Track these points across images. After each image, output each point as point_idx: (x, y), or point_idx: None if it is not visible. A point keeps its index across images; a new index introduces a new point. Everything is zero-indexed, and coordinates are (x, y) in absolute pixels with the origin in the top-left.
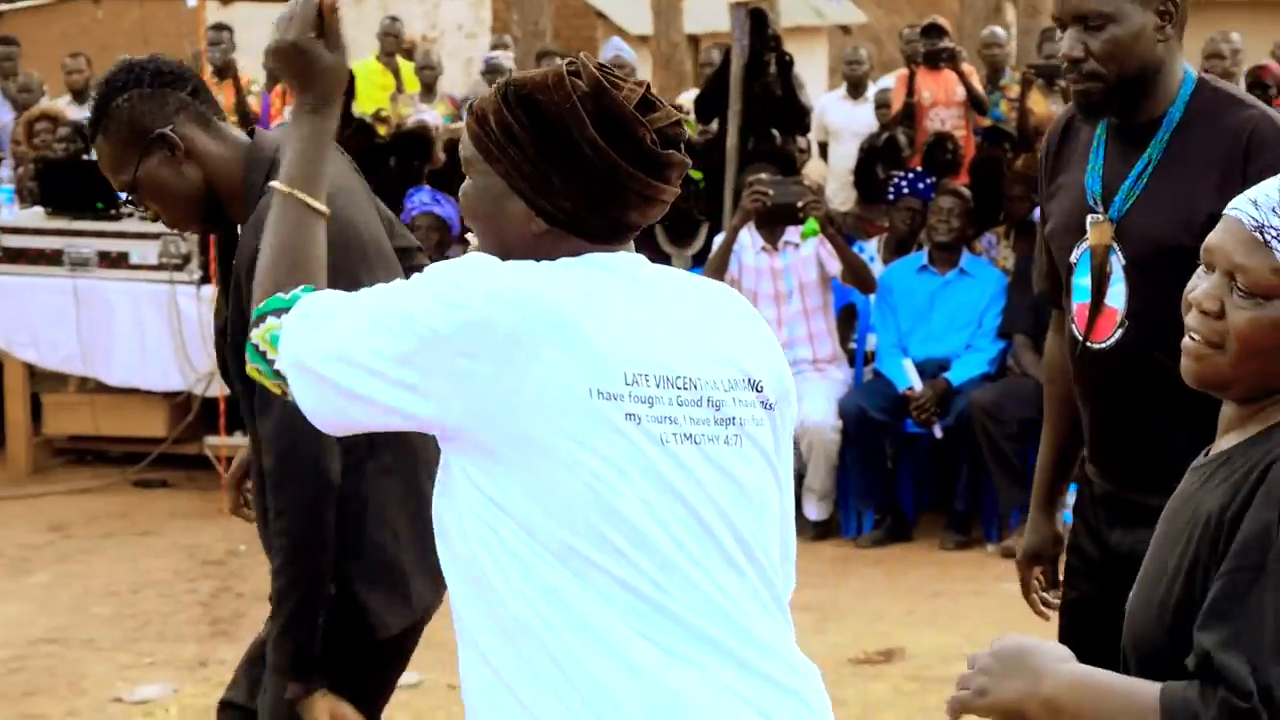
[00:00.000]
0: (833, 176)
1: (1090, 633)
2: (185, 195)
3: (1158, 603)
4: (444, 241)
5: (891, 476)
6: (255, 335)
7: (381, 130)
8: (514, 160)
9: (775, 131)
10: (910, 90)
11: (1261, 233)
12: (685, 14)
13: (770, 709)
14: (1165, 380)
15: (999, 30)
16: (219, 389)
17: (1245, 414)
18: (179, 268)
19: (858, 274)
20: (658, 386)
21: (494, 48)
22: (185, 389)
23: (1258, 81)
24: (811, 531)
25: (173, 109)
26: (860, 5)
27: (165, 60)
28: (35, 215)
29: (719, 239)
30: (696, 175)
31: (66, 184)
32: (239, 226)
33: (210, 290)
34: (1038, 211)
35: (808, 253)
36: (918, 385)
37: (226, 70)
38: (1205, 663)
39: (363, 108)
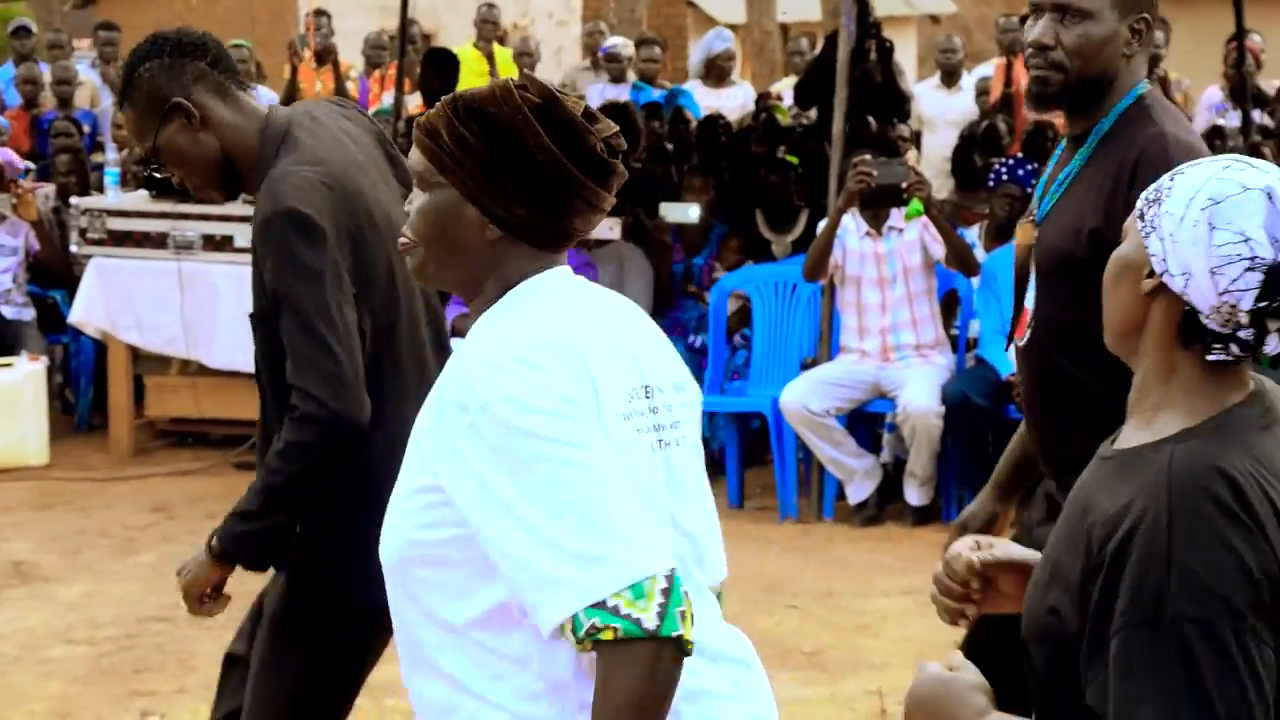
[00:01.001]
0: (927, 165)
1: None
2: (203, 162)
3: (1039, 596)
4: None
5: (993, 462)
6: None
7: None
8: (469, 170)
9: (870, 119)
10: (1008, 79)
11: None
12: (777, 3)
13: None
14: (1068, 383)
15: None
16: None
17: (1155, 400)
18: None
19: (961, 257)
20: (646, 397)
21: (590, 34)
22: None
23: None
24: (913, 516)
25: (190, 78)
26: None
27: (189, 31)
28: (140, 198)
29: (821, 225)
30: (794, 161)
31: None
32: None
33: None
34: None
35: (911, 237)
36: None
37: (326, 55)
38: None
39: None
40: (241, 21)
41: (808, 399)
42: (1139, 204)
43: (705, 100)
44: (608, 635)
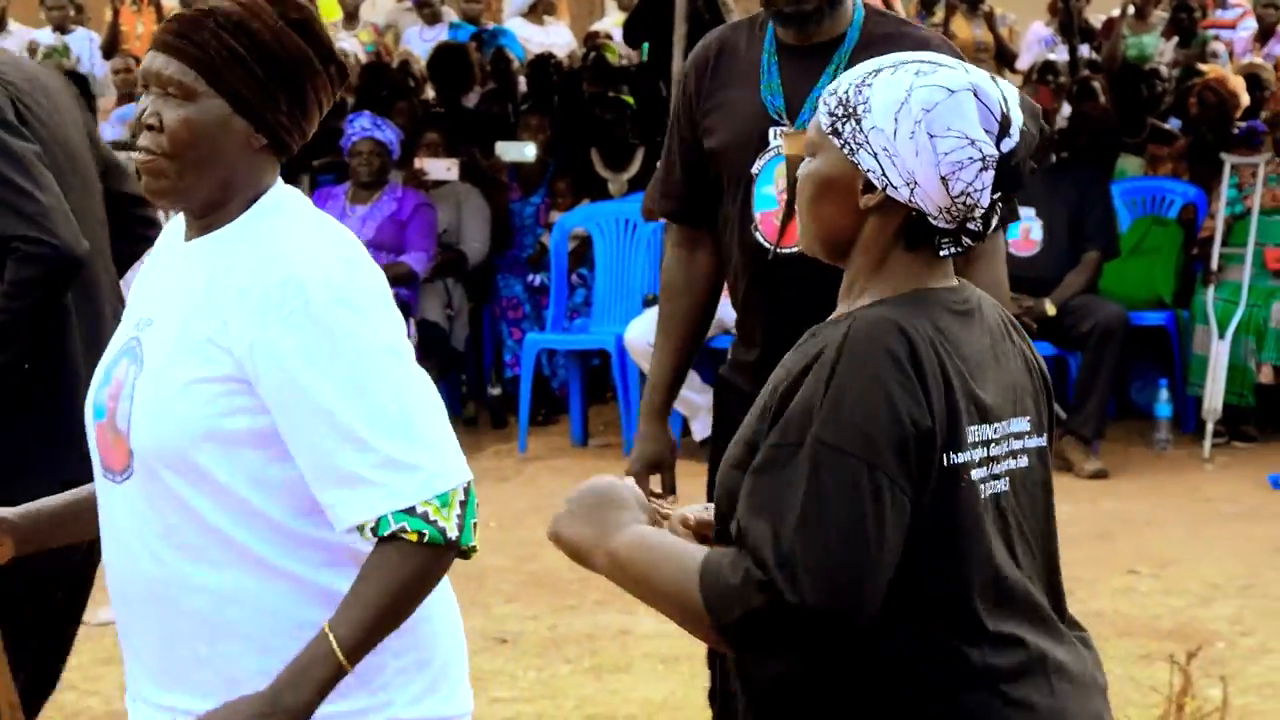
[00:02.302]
0: None
1: None
2: None
3: (727, 463)
4: (384, 166)
5: None
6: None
7: None
8: (242, 80)
9: None
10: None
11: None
12: None
13: None
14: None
15: None
16: None
17: (861, 287)
18: None
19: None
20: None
21: None
22: None
23: (1183, 5)
24: None
25: None
26: None
27: None
28: None
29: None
30: (629, 100)
31: None
32: None
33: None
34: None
35: None
36: None
37: None
38: (738, 531)
39: None
40: None
41: (651, 334)
42: (824, 121)
43: (527, 36)
44: (412, 538)
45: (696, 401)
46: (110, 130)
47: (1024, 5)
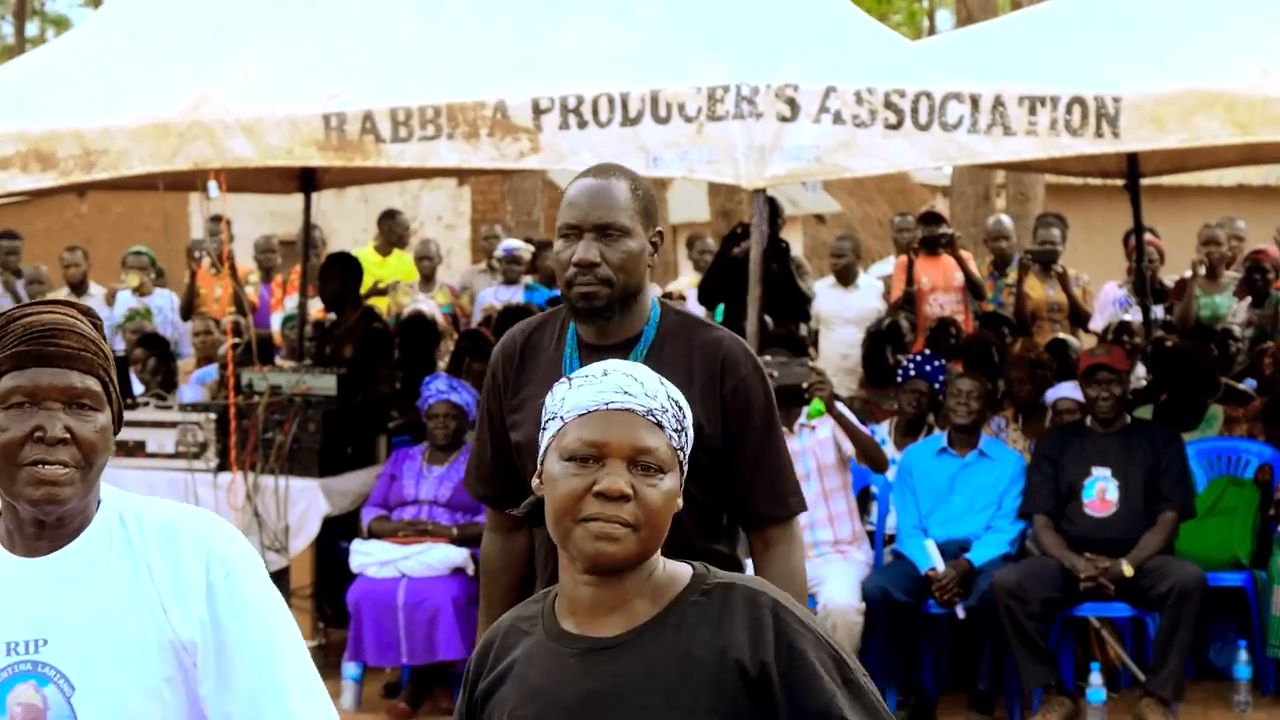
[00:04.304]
0: (825, 362)
1: None
2: None
3: None
4: (460, 428)
5: (914, 656)
6: None
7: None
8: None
9: (768, 318)
10: (910, 277)
11: (652, 415)
12: (668, 203)
13: None
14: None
15: (1005, 220)
16: None
17: (628, 590)
18: (196, 455)
19: (869, 453)
20: None
21: (486, 238)
22: None
23: (1256, 266)
24: None
25: None
26: (833, 194)
27: None
28: None
29: None
30: None
31: None
32: None
33: (227, 477)
34: (1050, 394)
35: (824, 435)
36: (940, 566)
37: (224, 262)
38: None
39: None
40: (134, 229)
41: None
42: (674, 438)
43: None
44: None
45: None
46: (190, 392)
47: (1097, 266)
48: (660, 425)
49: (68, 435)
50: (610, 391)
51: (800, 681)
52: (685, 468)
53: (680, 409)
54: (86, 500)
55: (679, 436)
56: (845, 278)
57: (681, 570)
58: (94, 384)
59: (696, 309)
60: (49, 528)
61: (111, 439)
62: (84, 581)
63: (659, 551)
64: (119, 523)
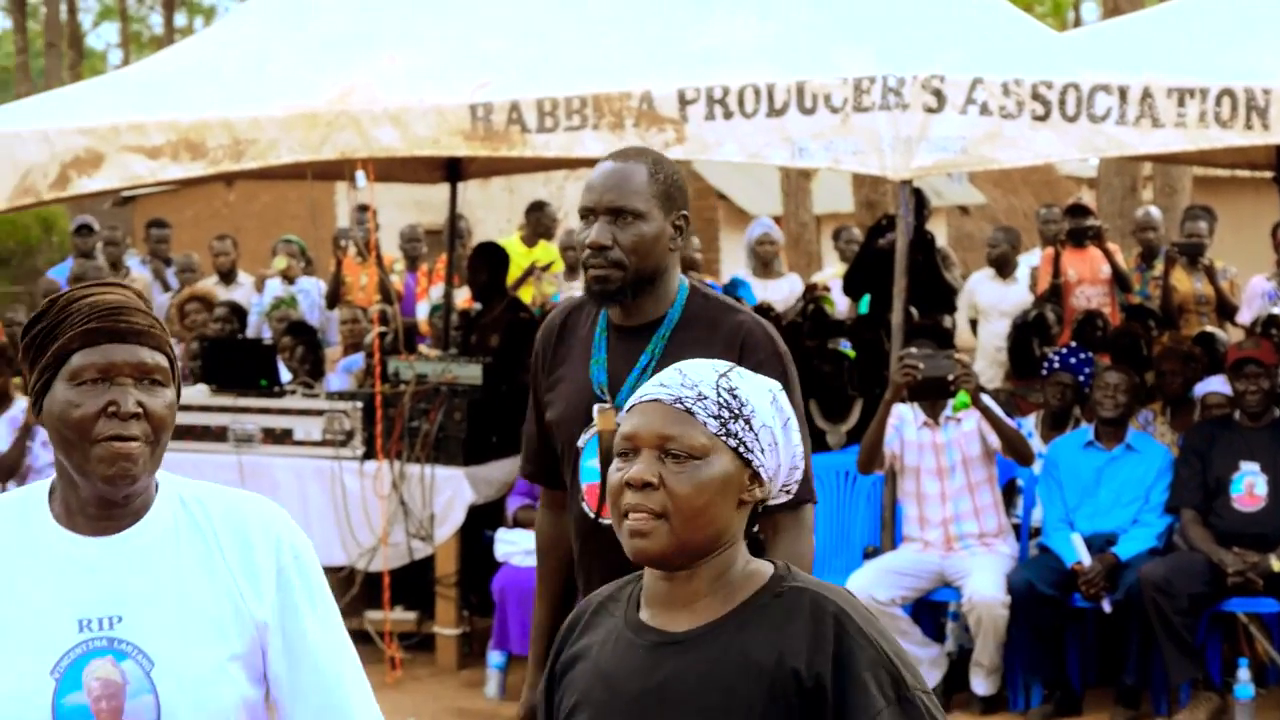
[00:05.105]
0: (981, 354)
1: None
2: None
3: None
4: None
5: (1059, 650)
6: None
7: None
8: None
9: (913, 309)
10: (1056, 269)
11: (681, 403)
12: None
13: None
14: None
15: (1154, 212)
16: (383, 563)
17: (698, 587)
18: (343, 444)
19: (1015, 447)
20: None
21: None
22: (348, 564)
23: None
24: (979, 706)
25: None
26: (978, 186)
27: None
28: (200, 393)
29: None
30: (849, 352)
31: (229, 362)
32: None
33: (373, 465)
34: (1198, 388)
35: (970, 427)
36: (1086, 560)
37: (369, 250)
38: None
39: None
40: (281, 217)
41: (873, 588)
42: (711, 424)
43: (757, 292)
44: None
45: (918, 655)
46: (337, 380)
47: (1245, 259)
48: (691, 412)
49: (140, 410)
50: (649, 386)
51: (851, 695)
52: (748, 455)
53: (733, 396)
54: (150, 479)
55: (721, 424)
56: (1003, 269)
57: (761, 570)
58: (162, 359)
59: (841, 300)
60: (114, 507)
61: (175, 415)
62: (156, 559)
63: (734, 547)
64: (180, 505)
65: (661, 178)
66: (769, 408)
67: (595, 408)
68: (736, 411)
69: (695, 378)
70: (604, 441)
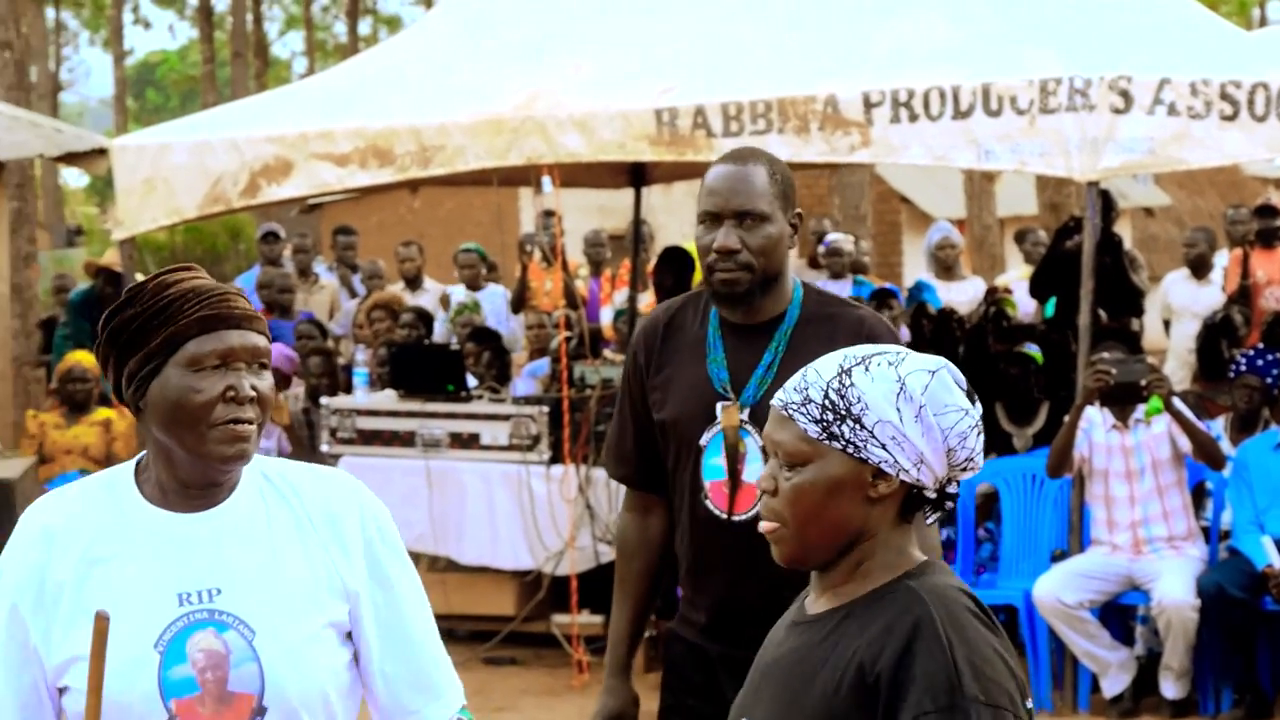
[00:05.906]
0: (1173, 355)
1: None
2: None
3: None
4: None
5: (1250, 654)
6: None
7: None
8: None
9: (1101, 312)
10: (1245, 270)
11: (786, 409)
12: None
13: None
14: None
15: None
16: (569, 567)
17: (837, 577)
18: (529, 448)
19: (1206, 451)
20: None
21: (813, 232)
22: (535, 568)
23: None
24: (1169, 710)
25: None
26: (1163, 187)
27: None
28: (388, 398)
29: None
30: (1037, 357)
31: (416, 367)
32: None
33: (559, 469)
34: None
35: (1159, 430)
36: (1278, 563)
37: (555, 255)
38: None
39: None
40: (465, 224)
41: (1061, 591)
42: (811, 429)
43: (941, 295)
44: None
45: (1107, 658)
46: (522, 385)
47: None
48: (791, 418)
49: (255, 394)
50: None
51: (899, 696)
52: (863, 455)
53: (841, 397)
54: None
55: (823, 427)
56: (1199, 270)
57: (903, 565)
58: (266, 343)
59: (1024, 302)
60: (210, 485)
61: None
62: (251, 532)
63: (873, 540)
64: (265, 480)
65: (779, 178)
66: (891, 402)
67: (719, 405)
68: (844, 412)
69: (809, 380)
70: (729, 439)
